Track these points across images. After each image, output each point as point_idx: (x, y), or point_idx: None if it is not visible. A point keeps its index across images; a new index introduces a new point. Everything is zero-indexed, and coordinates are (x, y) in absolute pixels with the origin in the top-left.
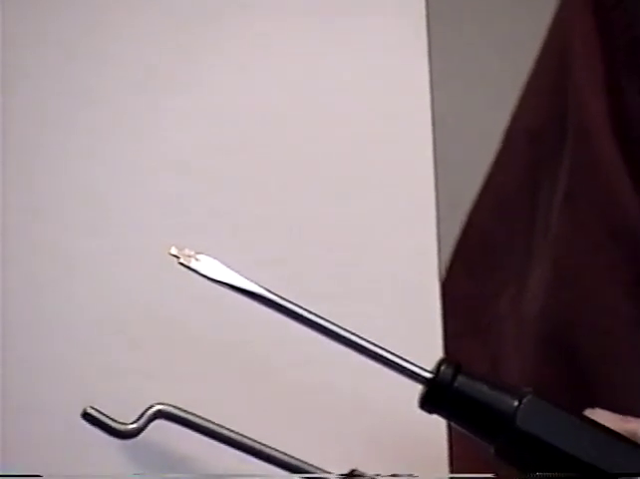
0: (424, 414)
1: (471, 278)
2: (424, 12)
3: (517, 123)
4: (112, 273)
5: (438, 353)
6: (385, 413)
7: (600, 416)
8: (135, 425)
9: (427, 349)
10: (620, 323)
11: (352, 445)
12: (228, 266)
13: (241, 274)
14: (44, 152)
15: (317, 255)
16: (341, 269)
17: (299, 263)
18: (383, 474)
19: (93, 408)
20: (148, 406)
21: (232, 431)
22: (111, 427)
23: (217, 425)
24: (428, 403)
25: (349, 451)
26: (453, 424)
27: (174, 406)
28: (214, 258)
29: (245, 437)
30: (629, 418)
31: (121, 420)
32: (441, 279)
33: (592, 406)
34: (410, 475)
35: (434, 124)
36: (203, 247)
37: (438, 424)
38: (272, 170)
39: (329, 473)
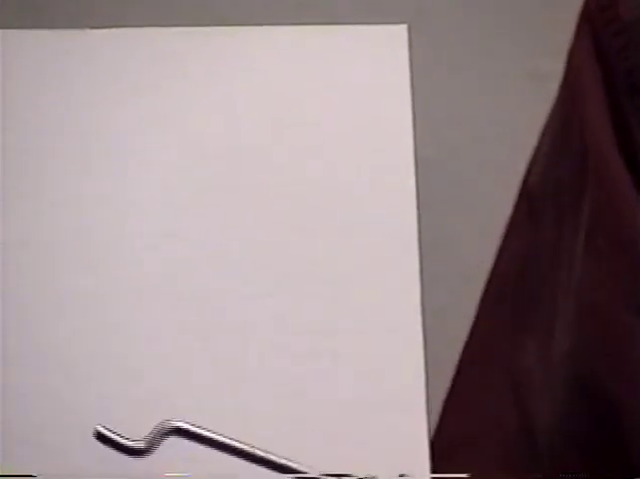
0: (403, 417)
1: (499, 330)
2: (406, 55)
3: (542, 181)
4: (105, 308)
5: (421, 385)
6: (365, 416)
7: None
8: (143, 444)
9: (411, 384)
10: None
11: (340, 448)
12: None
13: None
14: (38, 189)
15: (303, 291)
16: (326, 305)
17: (285, 299)
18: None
19: (104, 427)
20: (160, 422)
21: (247, 444)
22: (122, 445)
23: (231, 439)
24: None
25: (335, 454)
26: None
27: (189, 423)
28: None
29: (261, 450)
30: None
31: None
32: (423, 317)
33: (620, 440)
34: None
35: (416, 163)
36: (190, 281)
37: (419, 429)
38: (257, 205)
39: None
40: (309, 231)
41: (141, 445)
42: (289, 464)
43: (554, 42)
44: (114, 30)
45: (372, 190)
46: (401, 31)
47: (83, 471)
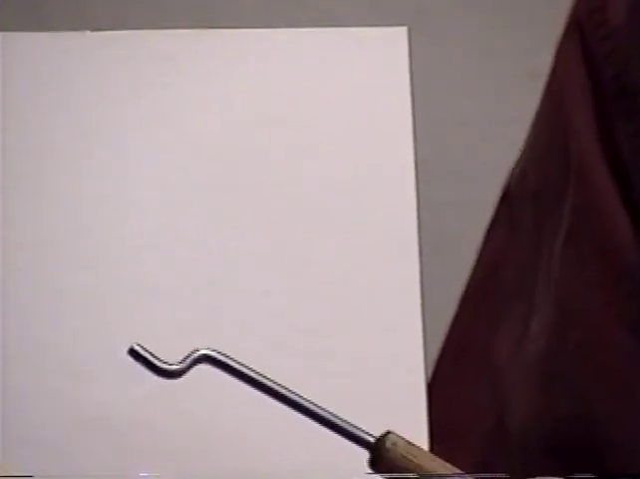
0: (403, 416)
1: (478, 324)
2: (407, 59)
3: (522, 181)
4: (105, 307)
5: (421, 384)
6: (364, 416)
7: None
8: (178, 366)
9: (410, 380)
10: (622, 359)
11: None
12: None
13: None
14: (38, 189)
15: (302, 290)
16: (325, 305)
17: (283, 298)
18: None
19: (139, 345)
20: (193, 349)
21: (275, 382)
22: (155, 365)
23: (260, 375)
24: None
25: (333, 452)
26: None
27: (220, 352)
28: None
29: (288, 390)
30: None
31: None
32: (423, 316)
33: (596, 443)
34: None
35: (417, 166)
36: (188, 279)
37: (418, 428)
38: (256, 204)
39: (367, 433)
40: (308, 230)
41: (172, 367)
42: (316, 409)
43: (554, 41)
44: (112, 32)
45: (372, 190)
46: (401, 33)
47: (83, 471)
